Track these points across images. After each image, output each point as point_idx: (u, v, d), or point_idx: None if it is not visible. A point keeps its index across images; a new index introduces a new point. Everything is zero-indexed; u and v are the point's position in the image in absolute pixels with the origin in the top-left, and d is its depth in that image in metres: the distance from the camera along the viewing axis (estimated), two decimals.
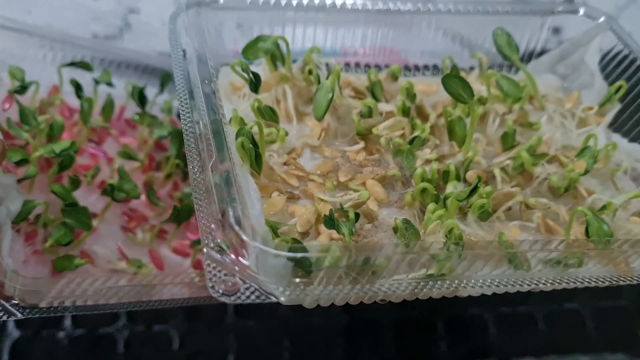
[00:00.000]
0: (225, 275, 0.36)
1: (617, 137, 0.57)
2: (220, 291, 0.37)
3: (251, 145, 0.43)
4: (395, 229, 0.42)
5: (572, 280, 0.42)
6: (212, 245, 0.36)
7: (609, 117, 0.56)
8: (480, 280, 0.40)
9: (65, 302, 0.50)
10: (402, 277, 0.39)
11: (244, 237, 0.35)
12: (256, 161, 0.43)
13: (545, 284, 0.42)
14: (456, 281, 0.40)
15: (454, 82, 0.45)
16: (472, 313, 0.68)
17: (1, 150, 0.44)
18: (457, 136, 0.50)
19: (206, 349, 0.64)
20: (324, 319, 0.66)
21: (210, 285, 0.36)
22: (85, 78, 0.61)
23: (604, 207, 0.46)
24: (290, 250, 0.35)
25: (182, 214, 0.58)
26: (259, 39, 0.51)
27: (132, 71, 0.66)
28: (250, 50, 0.51)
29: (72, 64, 0.60)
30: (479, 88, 0.56)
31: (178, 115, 0.67)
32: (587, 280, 0.43)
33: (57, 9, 0.81)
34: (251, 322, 0.65)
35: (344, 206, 0.43)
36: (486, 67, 0.59)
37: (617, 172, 0.52)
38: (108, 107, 0.62)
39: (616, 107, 0.56)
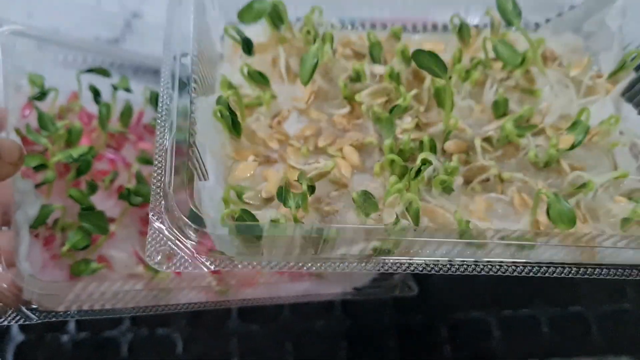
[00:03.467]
0: (162, 246, 0.39)
1: (629, 108, 0.52)
2: (156, 260, 0.39)
3: (228, 113, 0.45)
4: (355, 200, 0.42)
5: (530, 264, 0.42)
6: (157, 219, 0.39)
7: (621, 86, 0.52)
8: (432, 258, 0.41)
9: (82, 306, 0.50)
10: (349, 250, 0.40)
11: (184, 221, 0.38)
12: (234, 127, 0.46)
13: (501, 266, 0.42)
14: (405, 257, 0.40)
15: (425, 57, 0.44)
16: (476, 317, 0.68)
17: (19, 155, 0.45)
18: (444, 103, 0.48)
19: (209, 353, 0.64)
20: (327, 323, 0.66)
21: (147, 254, 0.39)
22: (104, 84, 0.62)
23: (583, 185, 0.45)
24: (233, 228, 0.38)
25: None
26: (254, 1, 0.51)
27: (151, 76, 0.67)
28: (246, 13, 0.51)
29: (91, 71, 0.61)
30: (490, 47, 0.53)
31: None
32: (545, 265, 0.42)
33: (58, 12, 0.81)
34: (254, 326, 0.65)
35: (308, 175, 0.43)
36: (498, 25, 0.54)
37: (616, 147, 0.49)
38: (126, 113, 0.63)
39: (631, 76, 0.52)
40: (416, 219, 0.42)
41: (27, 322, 0.46)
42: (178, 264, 0.38)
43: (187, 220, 0.38)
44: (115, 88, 0.62)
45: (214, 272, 0.59)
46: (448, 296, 0.70)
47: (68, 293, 0.49)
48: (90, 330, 0.64)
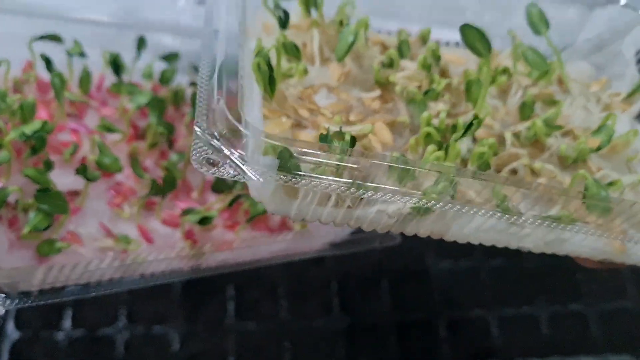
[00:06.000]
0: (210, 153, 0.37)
1: None
2: (202, 167, 0.37)
3: (267, 68, 0.43)
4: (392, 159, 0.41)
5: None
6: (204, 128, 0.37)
7: (637, 107, 0.53)
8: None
9: (53, 285, 0.50)
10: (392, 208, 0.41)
11: (235, 123, 0.37)
12: (270, 85, 0.44)
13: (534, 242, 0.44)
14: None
15: (472, 33, 0.44)
16: (475, 315, 0.68)
17: None
18: (473, 96, 0.48)
19: (206, 350, 0.64)
20: (325, 320, 0.66)
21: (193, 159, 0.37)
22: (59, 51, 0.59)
23: (611, 184, 0.44)
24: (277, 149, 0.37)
25: (166, 185, 0.57)
26: None
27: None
28: None
29: (42, 37, 0.58)
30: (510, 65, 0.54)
31: (160, 80, 0.65)
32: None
33: None
34: (251, 324, 0.65)
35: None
36: (519, 45, 0.54)
37: (633, 160, 0.49)
38: (85, 79, 0.61)
39: None
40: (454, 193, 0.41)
41: None
42: (223, 170, 0.37)
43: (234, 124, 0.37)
44: (69, 54, 0.59)
45: (188, 237, 0.58)
46: (448, 294, 0.70)
47: (32, 277, 0.48)
48: (86, 328, 0.64)
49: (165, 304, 0.66)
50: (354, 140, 0.40)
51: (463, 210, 0.40)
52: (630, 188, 0.46)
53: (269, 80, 0.44)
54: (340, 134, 0.41)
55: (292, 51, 0.48)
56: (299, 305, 0.67)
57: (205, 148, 0.37)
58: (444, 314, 0.68)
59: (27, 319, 0.63)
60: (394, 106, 0.48)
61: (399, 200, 0.39)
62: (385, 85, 0.50)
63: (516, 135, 0.48)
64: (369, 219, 0.42)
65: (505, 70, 0.51)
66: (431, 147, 0.42)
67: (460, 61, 0.55)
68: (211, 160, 0.37)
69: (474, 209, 0.40)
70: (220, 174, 0.37)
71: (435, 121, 0.45)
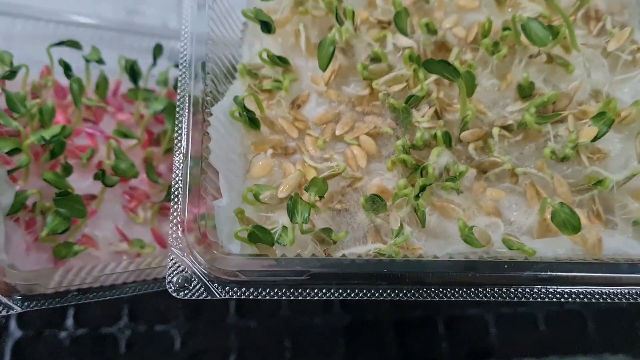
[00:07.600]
0: (180, 273, 0.41)
1: None
2: (175, 287, 0.41)
3: (245, 112, 0.46)
4: (363, 205, 0.44)
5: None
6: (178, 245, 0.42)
7: None
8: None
9: (68, 289, 0.50)
10: (359, 251, 0.43)
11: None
12: (252, 123, 0.47)
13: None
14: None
15: (434, 66, 0.43)
16: (473, 313, 0.68)
17: None
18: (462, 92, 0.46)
19: (208, 348, 0.65)
20: (325, 318, 0.66)
21: (167, 281, 0.41)
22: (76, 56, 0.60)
23: (599, 182, 0.43)
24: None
25: None
26: None
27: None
28: None
29: (61, 43, 0.59)
30: (526, 4, 0.51)
31: (175, 87, 0.66)
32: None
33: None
34: (252, 322, 0.66)
35: (321, 175, 0.44)
36: None
37: None
38: (102, 85, 0.61)
39: None
40: (423, 221, 0.42)
41: (10, 312, 0.47)
42: (194, 291, 0.41)
43: (199, 251, 0.42)
44: (87, 60, 0.60)
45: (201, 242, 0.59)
46: None
47: (50, 280, 0.49)
48: (88, 327, 0.64)
49: (166, 303, 0.66)
50: (322, 196, 0.43)
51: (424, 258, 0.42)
52: (621, 184, 0.43)
53: (251, 120, 0.46)
54: (304, 204, 0.42)
55: (279, 62, 0.49)
56: (299, 303, 0.67)
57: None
58: (442, 312, 0.68)
59: (30, 317, 0.64)
60: (384, 107, 0.49)
61: (361, 248, 0.42)
62: (373, 81, 0.49)
63: (507, 127, 0.46)
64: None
65: (506, 36, 0.48)
66: (402, 183, 0.43)
67: (472, 5, 0.52)
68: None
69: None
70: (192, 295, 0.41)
71: (424, 123, 0.46)
